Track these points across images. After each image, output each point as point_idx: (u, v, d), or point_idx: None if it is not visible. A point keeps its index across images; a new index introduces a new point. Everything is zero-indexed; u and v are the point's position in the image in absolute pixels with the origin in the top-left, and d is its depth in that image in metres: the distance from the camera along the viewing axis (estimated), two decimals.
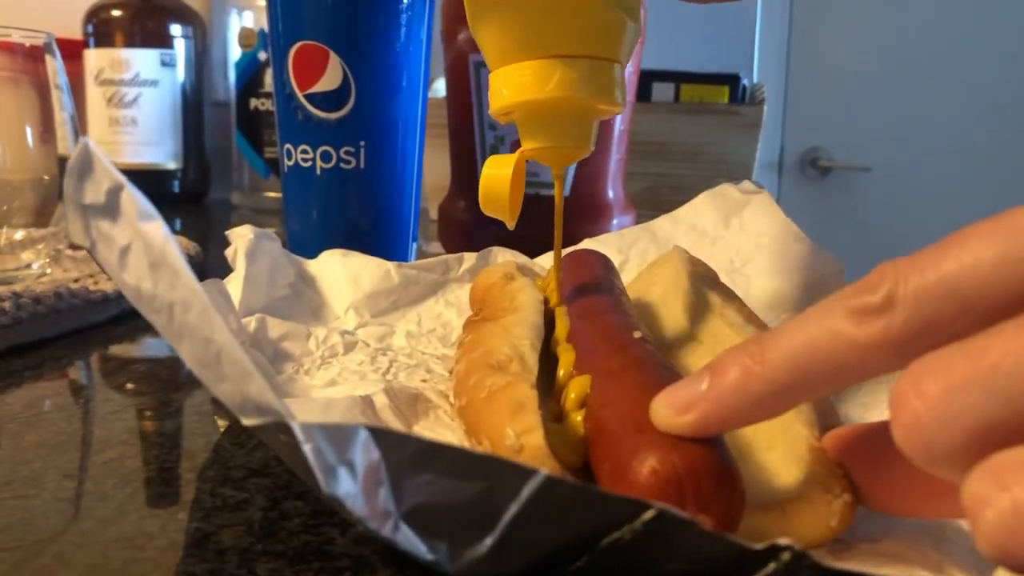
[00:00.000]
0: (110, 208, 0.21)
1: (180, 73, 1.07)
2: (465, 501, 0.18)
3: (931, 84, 1.97)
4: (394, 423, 0.31)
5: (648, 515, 0.18)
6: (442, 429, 0.31)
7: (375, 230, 0.58)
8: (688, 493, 0.21)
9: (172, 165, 1.08)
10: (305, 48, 0.54)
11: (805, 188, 2.09)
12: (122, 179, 0.21)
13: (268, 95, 1.05)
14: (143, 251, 0.21)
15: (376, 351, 0.42)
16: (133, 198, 0.21)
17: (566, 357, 0.29)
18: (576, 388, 0.27)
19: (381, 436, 0.19)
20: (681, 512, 0.18)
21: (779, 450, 0.27)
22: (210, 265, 0.68)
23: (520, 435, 0.24)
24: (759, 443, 0.28)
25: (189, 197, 1.11)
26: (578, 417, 0.26)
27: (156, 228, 0.21)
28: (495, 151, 0.69)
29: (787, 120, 2.03)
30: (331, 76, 0.55)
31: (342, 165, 0.56)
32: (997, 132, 1.97)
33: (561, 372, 0.29)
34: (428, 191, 0.96)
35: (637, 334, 0.29)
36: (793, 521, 0.24)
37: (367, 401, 0.31)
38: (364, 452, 0.18)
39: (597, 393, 0.26)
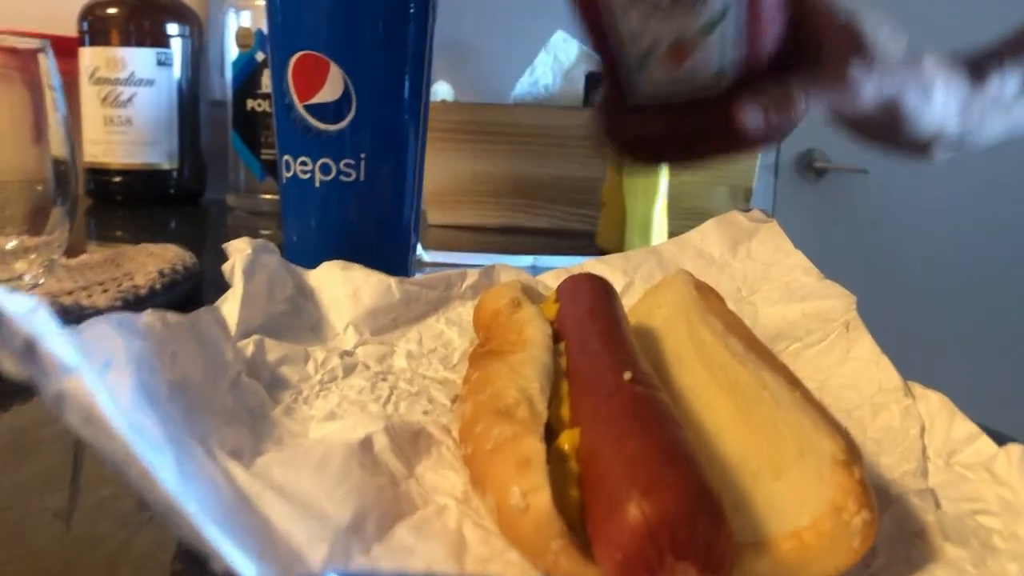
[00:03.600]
0: (32, 358, 0.19)
1: (176, 72, 1.06)
2: None
3: None
4: (395, 465, 0.30)
5: None
6: (445, 470, 0.31)
7: (374, 243, 0.57)
8: (663, 543, 0.21)
9: (167, 165, 1.06)
10: (305, 58, 0.53)
11: (801, 190, 2.08)
12: (35, 333, 0.19)
13: (265, 96, 1.04)
14: (73, 404, 0.19)
15: (376, 375, 0.41)
16: (50, 353, 0.19)
17: (563, 405, 0.29)
18: (568, 441, 0.26)
19: None
20: None
21: (790, 477, 0.26)
22: (206, 270, 0.67)
23: (526, 494, 0.24)
24: (764, 474, 0.27)
25: (185, 198, 1.10)
26: (574, 468, 0.26)
27: (78, 385, 0.19)
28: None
29: None
30: (332, 87, 0.54)
31: (342, 177, 0.55)
32: None
33: (561, 418, 0.29)
34: (428, 196, 0.95)
35: (627, 375, 0.28)
36: (812, 549, 0.23)
37: (366, 445, 0.30)
38: None
39: (585, 445, 0.26)
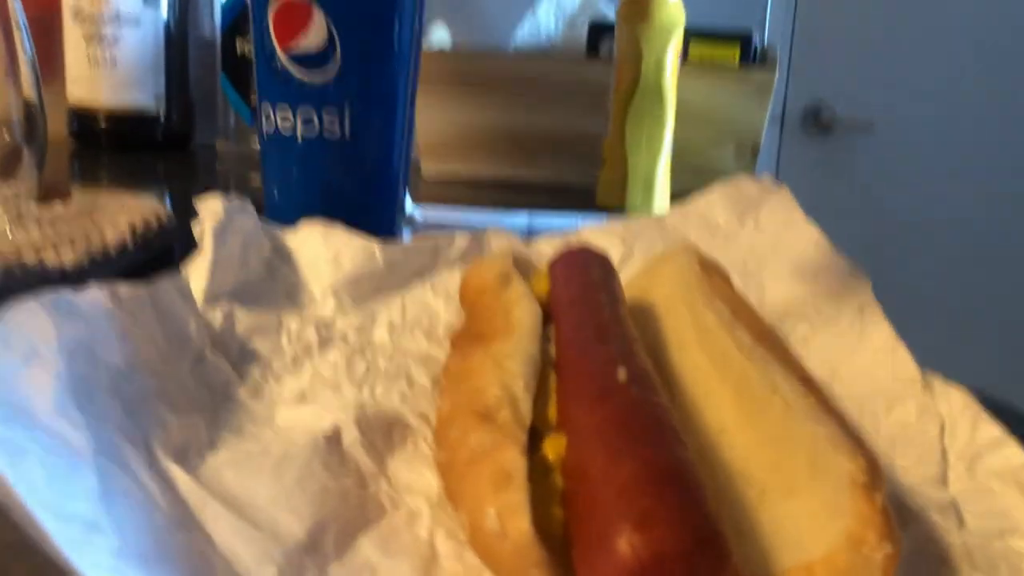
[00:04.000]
0: None
1: (163, 11, 1.01)
2: None
3: (938, 42, 1.91)
4: (364, 462, 0.27)
5: None
6: (420, 466, 0.28)
7: (360, 203, 0.53)
8: None
9: (154, 108, 1.02)
10: (287, 2, 0.50)
11: (806, 145, 2.04)
12: None
13: None
14: None
15: (353, 350, 0.38)
16: None
17: (550, 403, 0.26)
18: (553, 450, 0.23)
19: None
20: None
21: (802, 498, 0.23)
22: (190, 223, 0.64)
23: (503, 516, 0.21)
24: (776, 490, 0.24)
25: (173, 142, 1.06)
26: (558, 482, 0.23)
27: None
28: None
29: (791, 74, 1.97)
30: (315, 33, 0.50)
31: (325, 131, 0.51)
32: (1003, 92, 1.91)
33: (547, 418, 0.26)
34: (422, 149, 0.92)
35: (622, 374, 0.25)
36: None
37: (333, 440, 0.27)
38: None
39: (572, 457, 0.23)
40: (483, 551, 0.22)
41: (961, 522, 0.26)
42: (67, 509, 0.16)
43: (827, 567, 0.20)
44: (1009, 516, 0.26)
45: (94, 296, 0.28)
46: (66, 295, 0.26)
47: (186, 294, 0.34)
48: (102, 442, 0.21)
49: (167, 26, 1.02)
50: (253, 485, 0.24)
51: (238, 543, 0.21)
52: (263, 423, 0.30)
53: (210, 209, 0.43)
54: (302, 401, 0.32)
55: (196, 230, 0.43)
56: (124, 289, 0.30)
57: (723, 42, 1.00)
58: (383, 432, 0.29)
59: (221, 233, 0.42)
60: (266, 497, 0.23)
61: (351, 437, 0.28)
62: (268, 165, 0.53)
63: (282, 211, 0.53)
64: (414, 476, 0.27)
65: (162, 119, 1.04)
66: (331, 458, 0.26)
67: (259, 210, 0.47)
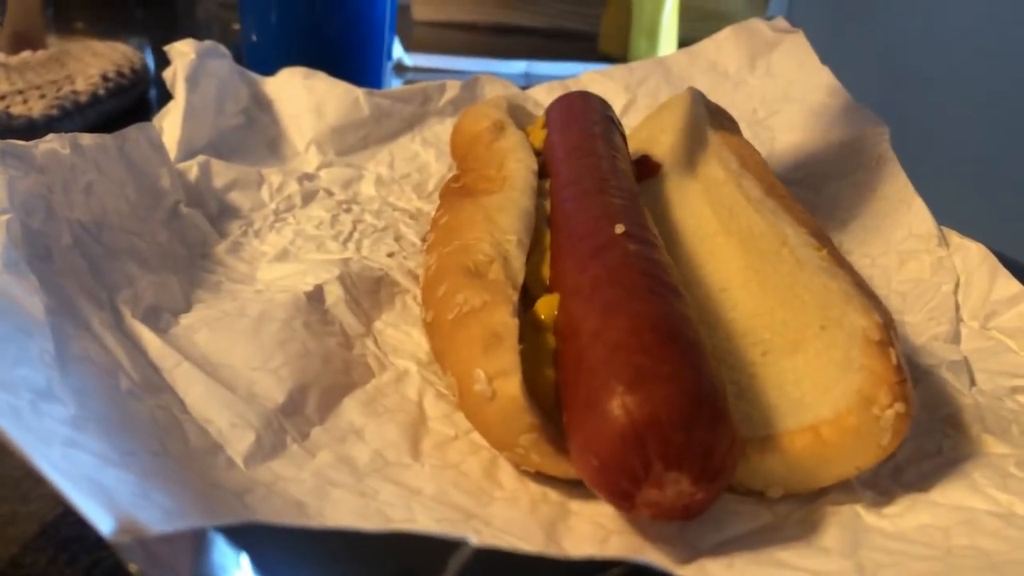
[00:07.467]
0: None
1: None
2: None
3: None
4: (349, 322, 0.26)
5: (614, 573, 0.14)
6: (408, 326, 0.27)
7: (343, 43, 0.50)
8: (651, 449, 0.17)
9: None
10: None
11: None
12: None
13: None
14: None
15: (339, 205, 0.36)
16: None
17: (544, 261, 0.25)
18: (545, 310, 0.22)
19: (240, 533, 0.14)
20: (659, 565, 0.14)
21: (808, 355, 0.22)
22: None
23: (493, 378, 0.19)
24: (781, 347, 0.23)
25: None
26: (550, 342, 0.21)
27: None
28: None
29: None
30: None
31: None
32: None
33: (540, 277, 0.24)
34: None
35: (619, 228, 0.23)
36: (832, 445, 0.19)
37: (315, 298, 0.26)
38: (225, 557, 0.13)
39: (564, 315, 0.22)
40: (471, 415, 0.21)
41: (972, 381, 0.25)
42: (12, 375, 0.15)
43: (834, 428, 0.19)
44: (1022, 374, 0.25)
45: (51, 147, 0.25)
46: (18, 145, 0.24)
47: (157, 144, 0.32)
48: (59, 302, 0.19)
49: None
50: (229, 346, 0.22)
51: (212, 407, 0.20)
52: (242, 281, 0.28)
53: (181, 52, 0.40)
54: (284, 258, 0.30)
55: (167, 74, 0.40)
56: (87, 139, 0.28)
57: None
58: (369, 291, 0.28)
59: (194, 78, 0.39)
60: (243, 359, 0.22)
61: (334, 296, 0.26)
62: (245, 2, 0.50)
63: (261, 55, 0.49)
64: (401, 336, 0.26)
65: None
66: (313, 318, 0.25)
67: (238, 58, 0.44)
